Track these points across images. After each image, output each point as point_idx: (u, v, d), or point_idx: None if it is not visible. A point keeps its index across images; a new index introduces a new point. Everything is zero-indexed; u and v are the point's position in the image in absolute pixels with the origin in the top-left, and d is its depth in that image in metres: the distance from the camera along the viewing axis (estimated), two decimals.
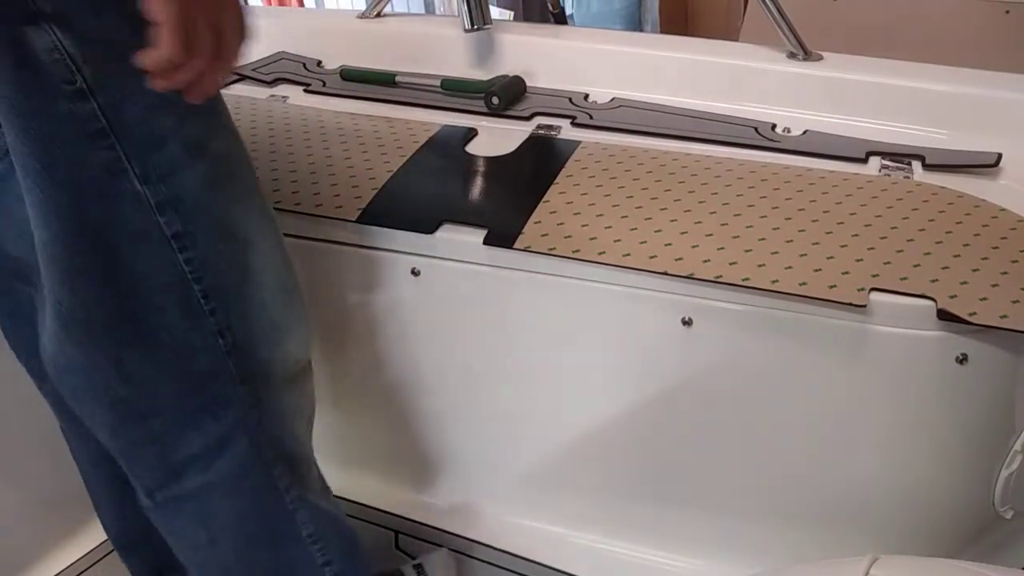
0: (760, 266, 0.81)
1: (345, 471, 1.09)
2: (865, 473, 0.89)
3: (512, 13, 2.49)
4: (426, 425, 1.07)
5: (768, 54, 1.11)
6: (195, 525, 0.73)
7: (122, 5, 0.56)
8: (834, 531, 0.94)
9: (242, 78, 1.25)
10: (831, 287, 0.78)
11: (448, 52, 1.23)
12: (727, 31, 2.58)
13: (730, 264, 0.82)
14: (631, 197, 0.92)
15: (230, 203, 0.67)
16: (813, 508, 0.94)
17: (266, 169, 1.01)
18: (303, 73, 1.26)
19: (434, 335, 0.99)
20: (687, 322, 0.86)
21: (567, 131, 1.08)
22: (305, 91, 1.22)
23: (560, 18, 1.40)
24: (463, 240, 0.90)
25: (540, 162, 1.02)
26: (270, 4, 2.80)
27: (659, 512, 1.01)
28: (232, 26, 0.56)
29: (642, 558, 1.03)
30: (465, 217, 0.92)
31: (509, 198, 0.96)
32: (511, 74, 1.17)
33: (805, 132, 1.03)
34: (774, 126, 1.05)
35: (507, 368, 0.98)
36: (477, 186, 1.00)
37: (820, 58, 1.09)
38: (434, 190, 0.98)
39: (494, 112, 1.12)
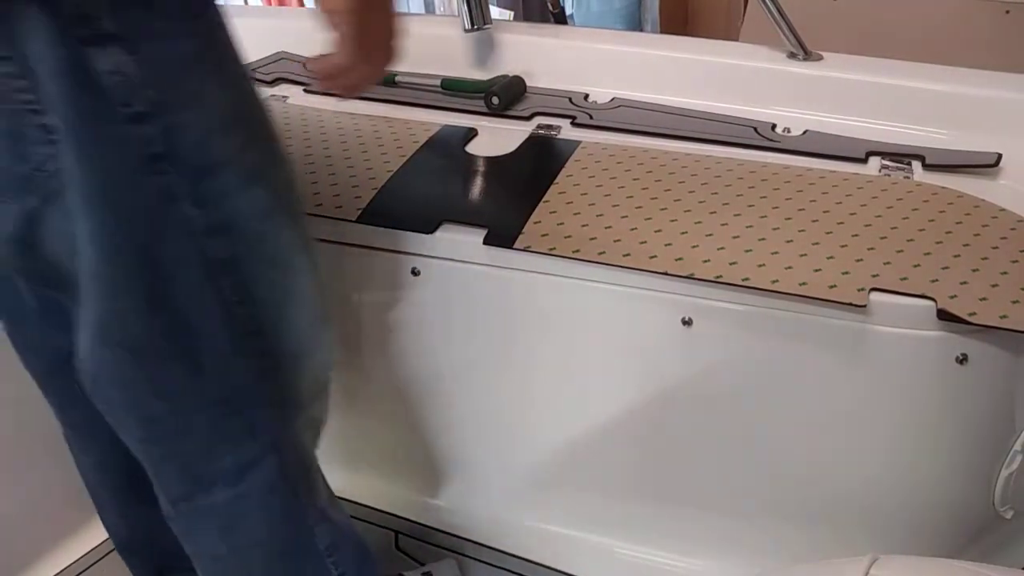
0: (760, 266, 0.81)
1: (345, 471, 1.09)
2: (865, 473, 0.89)
3: (512, 13, 2.49)
4: (425, 425, 1.07)
5: (768, 54, 1.11)
6: (216, 536, 0.73)
7: (185, 28, 0.57)
8: (834, 531, 0.94)
9: None
10: (831, 287, 0.78)
11: (448, 52, 1.23)
12: (727, 31, 2.58)
13: (730, 264, 0.82)
14: (631, 197, 0.92)
15: (278, 231, 0.67)
16: (813, 508, 0.94)
17: None
18: (303, 73, 1.26)
19: (434, 335, 0.99)
20: (687, 322, 0.86)
21: (567, 131, 1.08)
22: (305, 91, 1.22)
23: (560, 18, 1.40)
24: (463, 240, 0.90)
25: (540, 162, 1.02)
26: (270, 4, 2.80)
27: (659, 512, 1.01)
28: (395, 36, 0.60)
29: (642, 558, 1.03)
30: (465, 217, 0.92)
31: (509, 198, 0.96)
32: (511, 74, 1.17)
33: (805, 132, 1.03)
34: (774, 126, 1.05)
35: (507, 368, 0.98)
36: (477, 186, 1.00)
37: (820, 58, 1.09)
38: (434, 190, 0.98)
39: (494, 112, 1.12)
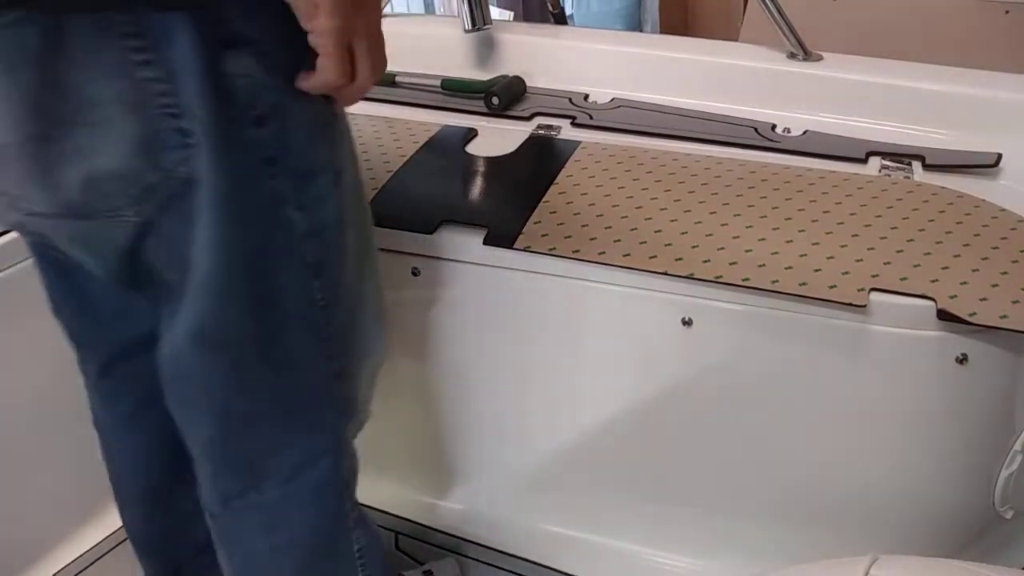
0: (760, 266, 0.81)
1: None
2: (865, 473, 0.89)
3: (512, 13, 2.49)
4: (425, 425, 1.07)
5: (768, 54, 1.11)
6: (261, 534, 0.74)
7: (295, 34, 0.57)
8: (834, 531, 0.94)
9: None
10: (831, 287, 0.78)
11: (448, 52, 1.23)
12: (727, 31, 2.58)
13: (730, 264, 0.82)
14: (631, 197, 0.92)
15: (356, 232, 0.69)
16: (813, 508, 0.94)
17: None
18: None
19: (434, 335, 0.99)
20: (687, 322, 0.86)
21: (567, 131, 1.08)
22: None
23: (560, 18, 1.40)
24: (463, 240, 0.90)
25: (540, 162, 1.02)
26: None
27: (659, 512, 1.01)
28: (381, 54, 0.61)
29: (642, 558, 1.03)
30: (465, 217, 0.92)
31: (509, 198, 0.96)
32: (511, 74, 1.17)
33: (805, 132, 1.03)
34: (774, 126, 1.05)
35: (507, 368, 0.98)
36: (477, 186, 1.00)
37: (820, 58, 1.09)
38: (434, 190, 0.98)
39: (494, 112, 1.12)
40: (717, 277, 0.81)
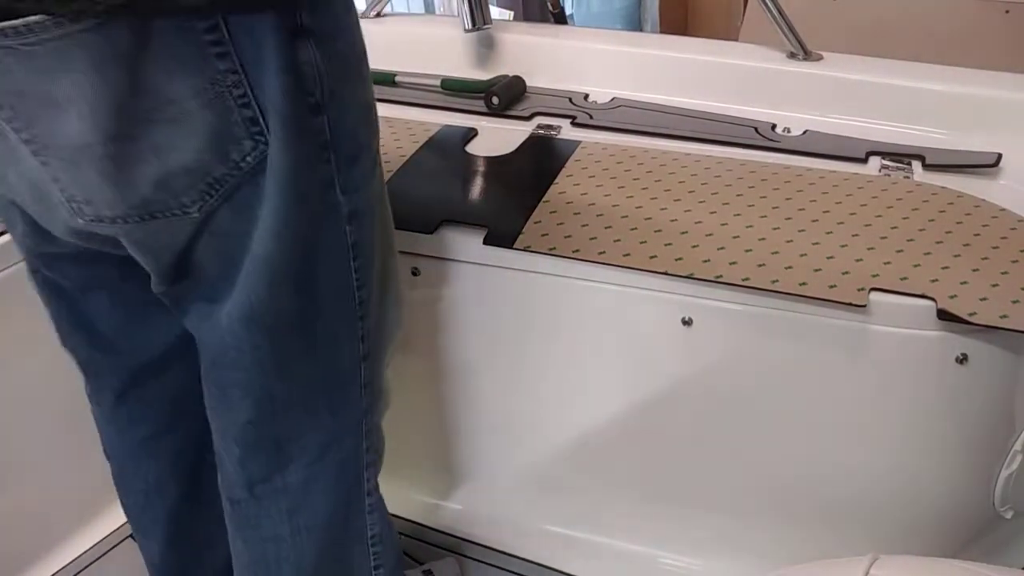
0: (760, 266, 0.81)
1: None
2: (865, 473, 0.89)
3: (512, 13, 2.49)
4: (425, 425, 1.07)
5: (768, 54, 1.11)
6: (283, 518, 0.75)
7: (348, 24, 0.61)
8: (834, 531, 0.94)
9: None
10: (831, 287, 0.78)
11: (448, 52, 1.23)
12: (727, 31, 2.58)
13: (730, 264, 0.82)
14: (631, 197, 0.92)
15: (385, 214, 0.72)
16: (813, 508, 0.94)
17: None
18: None
19: (434, 335, 0.99)
20: (687, 322, 0.86)
21: (567, 131, 1.08)
22: None
23: (560, 18, 1.40)
24: (463, 240, 0.90)
25: (540, 162, 1.02)
26: None
27: (659, 512, 1.01)
28: None
29: (642, 558, 1.03)
30: (465, 217, 0.92)
31: (509, 198, 0.96)
32: (511, 74, 1.17)
33: (805, 132, 1.04)
34: (774, 126, 1.05)
35: (507, 368, 0.98)
36: (477, 186, 1.00)
37: (820, 58, 1.09)
38: (434, 190, 0.98)
39: (494, 112, 1.12)
40: (717, 277, 0.81)
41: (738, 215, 0.89)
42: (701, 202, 0.91)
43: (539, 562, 1.04)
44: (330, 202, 0.63)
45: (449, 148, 1.05)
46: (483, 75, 1.18)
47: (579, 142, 1.04)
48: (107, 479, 0.87)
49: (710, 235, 0.86)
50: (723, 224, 0.87)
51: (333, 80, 0.59)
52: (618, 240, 0.86)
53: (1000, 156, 0.95)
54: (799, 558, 0.96)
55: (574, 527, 1.06)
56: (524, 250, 0.87)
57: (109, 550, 1.11)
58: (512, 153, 1.04)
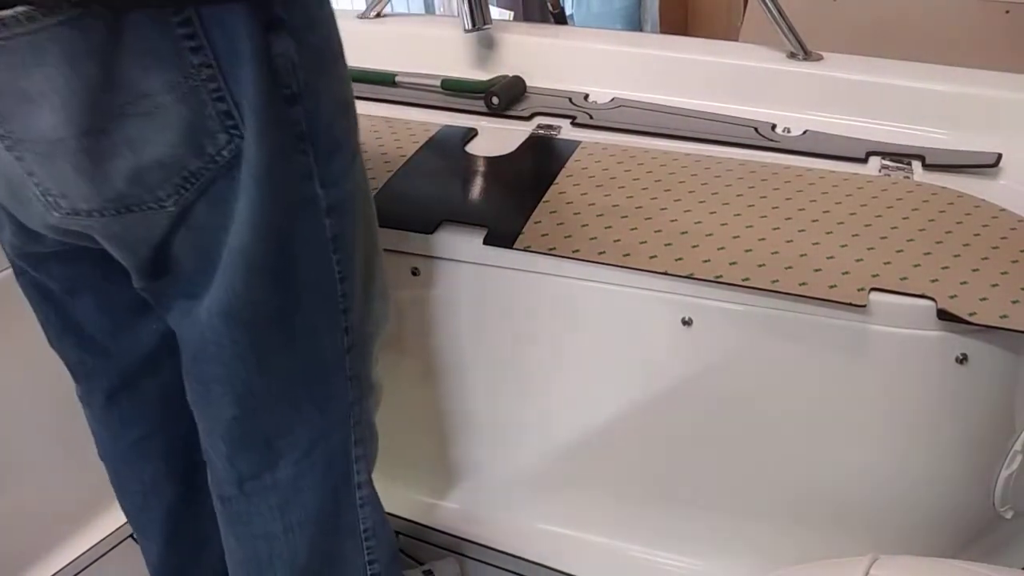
0: (760, 266, 0.81)
1: None
2: (864, 473, 0.89)
3: (512, 13, 2.49)
4: (425, 425, 1.07)
5: (768, 54, 1.11)
6: (274, 515, 0.75)
7: (323, 16, 0.61)
8: (834, 531, 0.94)
9: None
10: (831, 287, 0.78)
11: (448, 52, 1.23)
12: (727, 31, 2.58)
13: (730, 264, 0.82)
14: (631, 197, 0.92)
15: (366, 206, 0.72)
16: (813, 508, 0.94)
17: None
18: None
19: (434, 335, 0.99)
20: (687, 322, 0.86)
21: (567, 131, 1.08)
22: None
23: (560, 18, 1.40)
24: (463, 240, 0.90)
25: (540, 162, 1.02)
26: None
27: (659, 512, 1.01)
28: None
29: (642, 558, 1.03)
30: (465, 217, 0.92)
31: (509, 198, 0.96)
32: (511, 74, 1.17)
33: (805, 132, 1.03)
34: (774, 126, 1.05)
35: (507, 368, 0.98)
36: (477, 186, 1.00)
37: (820, 58, 1.09)
38: (434, 190, 0.98)
39: (494, 112, 1.12)
40: (717, 277, 0.81)
41: (738, 215, 0.89)
42: (701, 202, 0.91)
43: (539, 562, 1.04)
44: (308, 194, 0.63)
45: (449, 148, 1.05)
46: (483, 75, 1.18)
47: (579, 142, 1.04)
48: (107, 479, 0.87)
49: (710, 235, 0.86)
50: (723, 224, 0.87)
51: (308, 72, 0.59)
52: (618, 240, 0.86)
53: (1000, 156, 0.95)
54: (799, 558, 0.96)
55: (574, 527, 1.06)
56: (524, 250, 0.87)
57: (109, 550, 1.11)
58: (512, 153, 1.04)
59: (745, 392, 0.89)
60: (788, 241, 0.84)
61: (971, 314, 0.75)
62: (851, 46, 1.14)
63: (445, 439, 1.08)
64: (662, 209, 0.90)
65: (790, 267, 0.81)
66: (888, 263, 0.81)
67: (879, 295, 0.78)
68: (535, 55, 1.20)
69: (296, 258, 0.65)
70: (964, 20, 1.70)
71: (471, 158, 1.04)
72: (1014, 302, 0.75)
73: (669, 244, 0.85)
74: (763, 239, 0.85)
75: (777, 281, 0.80)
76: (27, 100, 0.54)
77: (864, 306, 0.77)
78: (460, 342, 0.99)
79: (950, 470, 0.88)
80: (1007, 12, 1.67)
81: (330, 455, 0.74)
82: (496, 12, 2.00)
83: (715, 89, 1.10)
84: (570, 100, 1.14)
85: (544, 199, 0.93)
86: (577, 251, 0.86)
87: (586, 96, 1.15)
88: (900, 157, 0.98)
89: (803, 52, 1.09)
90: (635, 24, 2.69)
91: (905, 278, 0.79)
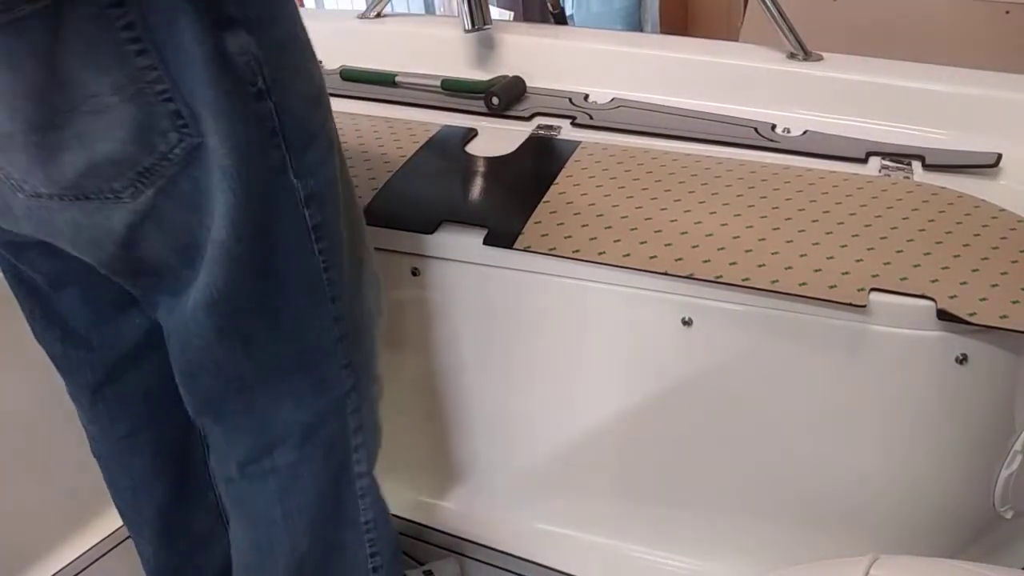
0: (760, 266, 0.81)
1: None
2: (865, 473, 0.89)
3: (512, 13, 2.49)
4: (425, 425, 1.07)
5: (768, 54, 1.11)
6: (274, 501, 0.76)
7: (285, 11, 0.61)
8: (834, 531, 0.94)
9: None
10: (831, 287, 0.78)
11: (448, 52, 1.23)
12: (727, 31, 2.58)
13: (730, 264, 0.82)
14: (631, 197, 0.92)
15: (348, 194, 0.72)
16: (812, 508, 0.94)
17: None
18: None
19: (433, 335, 0.99)
20: (687, 322, 0.86)
21: (567, 131, 1.08)
22: None
23: (560, 18, 1.40)
24: (463, 240, 0.90)
25: (540, 162, 1.02)
26: None
27: (659, 512, 1.01)
28: None
29: (642, 558, 1.03)
30: (465, 217, 0.92)
31: (509, 198, 0.96)
32: (511, 74, 1.17)
33: (805, 132, 1.03)
34: (774, 126, 1.05)
35: (507, 369, 0.98)
36: (477, 186, 1.00)
37: (820, 58, 1.09)
38: (434, 190, 0.98)
39: (494, 112, 1.12)
40: (717, 277, 0.81)
41: (738, 215, 0.89)
42: (701, 202, 0.91)
43: (539, 562, 1.04)
44: (284, 187, 0.64)
45: (449, 148, 1.05)
46: (483, 75, 1.18)
47: (579, 142, 1.04)
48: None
49: (710, 235, 0.86)
50: (723, 224, 0.87)
51: (273, 68, 0.60)
52: (618, 240, 0.86)
53: (1000, 156, 0.95)
54: (799, 558, 0.96)
55: (574, 527, 1.06)
56: (524, 250, 0.87)
57: (109, 550, 1.11)
58: (512, 153, 1.04)
59: (745, 392, 0.89)
60: (788, 241, 0.84)
61: (971, 314, 0.75)
62: (851, 46, 1.14)
63: (445, 439, 1.08)
64: (662, 209, 0.90)
65: (790, 267, 0.81)
66: (888, 263, 0.81)
67: (879, 295, 0.78)
68: (535, 55, 1.20)
69: (278, 250, 0.66)
70: (964, 20, 1.70)
71: (471, 158, 1.04)
72: (1014, 302, 0.75)
73: (669, 244, 0.85)
74: (763, 239, 0.85)
75: (777, 281, 0.80)
76: None
77: (864, 306, 0.77)
78: (460, 342, 0.99)
79: (950, 470, 0.88)
80: (1007, 12, 1.67)
81: (328, 443, 0.75)
82: (496, 12, 2.00)
83: (715, 89, 1.10)
84: (570, 100, 1.14)
85: (544, 199, 0.93)
86: (577, 251, 0.86)
87: (586, 96, 1.15)
88: (900, 157, 0.98)
89: (803, 52, 1.09)
90: (635, 24, 2.69)
91: (905, 278, 0.79)
